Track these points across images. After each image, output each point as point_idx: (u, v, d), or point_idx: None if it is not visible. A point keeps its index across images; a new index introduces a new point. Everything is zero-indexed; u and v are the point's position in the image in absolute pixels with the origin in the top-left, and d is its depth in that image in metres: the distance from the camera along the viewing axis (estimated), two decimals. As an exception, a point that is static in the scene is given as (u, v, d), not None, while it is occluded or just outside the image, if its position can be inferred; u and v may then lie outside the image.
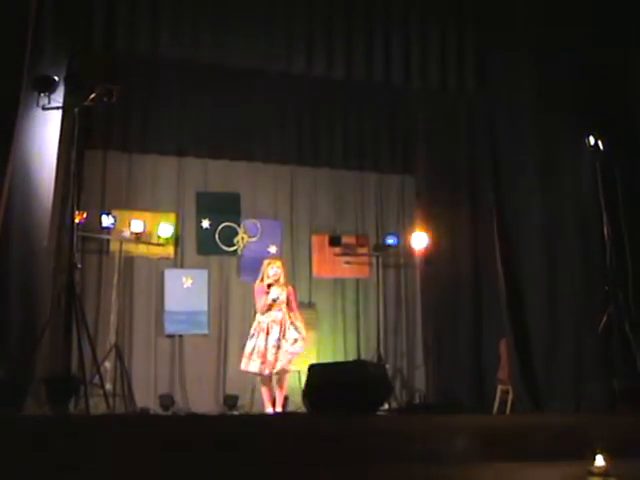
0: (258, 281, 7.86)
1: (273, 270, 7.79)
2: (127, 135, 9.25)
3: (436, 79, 7.86)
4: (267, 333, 7.55)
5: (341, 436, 4.48)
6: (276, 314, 7.65)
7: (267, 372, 7.51)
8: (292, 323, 7.68)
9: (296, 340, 7.58)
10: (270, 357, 7.46)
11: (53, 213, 6.49)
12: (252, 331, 7.68)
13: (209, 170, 9.61)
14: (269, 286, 7.69)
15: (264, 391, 7.67)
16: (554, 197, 7.48)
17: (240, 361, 7.73)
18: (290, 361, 7.56)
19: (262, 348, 7.49)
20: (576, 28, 7.45)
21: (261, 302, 7.68)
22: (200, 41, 7.26)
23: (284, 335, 7.57)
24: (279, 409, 7.55)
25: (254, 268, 8.54)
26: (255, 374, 7.73)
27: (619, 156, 6.80)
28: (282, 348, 7.50)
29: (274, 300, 7.65)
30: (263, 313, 7.66)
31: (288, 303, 7.74)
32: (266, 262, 7.96)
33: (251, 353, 7.54)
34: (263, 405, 7.72)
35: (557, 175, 7.46)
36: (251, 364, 7.52)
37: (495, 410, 7.86)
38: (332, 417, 5.19)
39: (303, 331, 7.69)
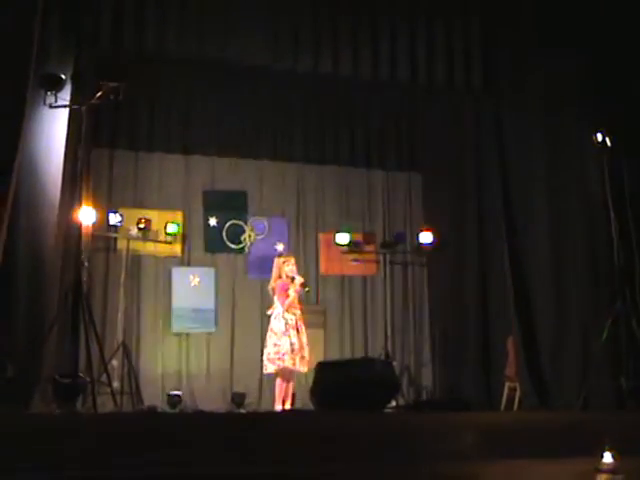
0: (275, 278, 7.77)
1: (289, 268, 7.77)
2: (134, 133, 9.28)
3: (442, 77, 7.85)
4: (298, 331, 7.54)
5: (349, 434, 4.48)
6: (299, 312, 7.68)
7: (303, 369, 7.53)
8: None
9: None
10: (306, 354, 7.50)
11: (60, 211, 6.51)
12: (283, 328, 7.51)
13: (216, 168, 9.63)
14: (303, 285, 7.72)
15: (281, 388, 7.58)
16: (561, 194, 7.45)
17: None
18: None
19: (297, 346, 7.47)
20: (582, 25, 7.42)
21: (289, 299, 7.62)
22: (206, 39, 7.28)
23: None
24: (287, 406, 7.55)
25: (261, 266, 8.55)
26: (290, 371, 7.56)
27: (627, 153, 6.77)
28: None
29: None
30: (288, 310, 7.64)
31: None
32: (281, 260, 7.90)
33: (292, 350, 7.43)
34: (273, 402, 7.70)
35: (564, 172, 7.43)
36: (295, 361, 7.43)
37: (502, 407, 7.84)
38: (340, 414, 5.18)
39: None
